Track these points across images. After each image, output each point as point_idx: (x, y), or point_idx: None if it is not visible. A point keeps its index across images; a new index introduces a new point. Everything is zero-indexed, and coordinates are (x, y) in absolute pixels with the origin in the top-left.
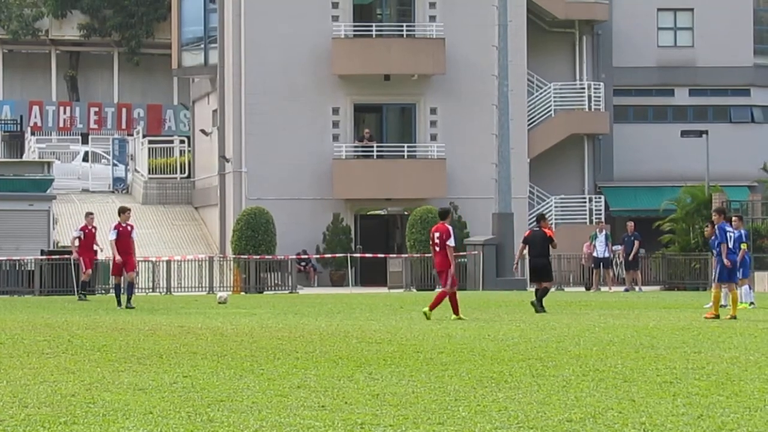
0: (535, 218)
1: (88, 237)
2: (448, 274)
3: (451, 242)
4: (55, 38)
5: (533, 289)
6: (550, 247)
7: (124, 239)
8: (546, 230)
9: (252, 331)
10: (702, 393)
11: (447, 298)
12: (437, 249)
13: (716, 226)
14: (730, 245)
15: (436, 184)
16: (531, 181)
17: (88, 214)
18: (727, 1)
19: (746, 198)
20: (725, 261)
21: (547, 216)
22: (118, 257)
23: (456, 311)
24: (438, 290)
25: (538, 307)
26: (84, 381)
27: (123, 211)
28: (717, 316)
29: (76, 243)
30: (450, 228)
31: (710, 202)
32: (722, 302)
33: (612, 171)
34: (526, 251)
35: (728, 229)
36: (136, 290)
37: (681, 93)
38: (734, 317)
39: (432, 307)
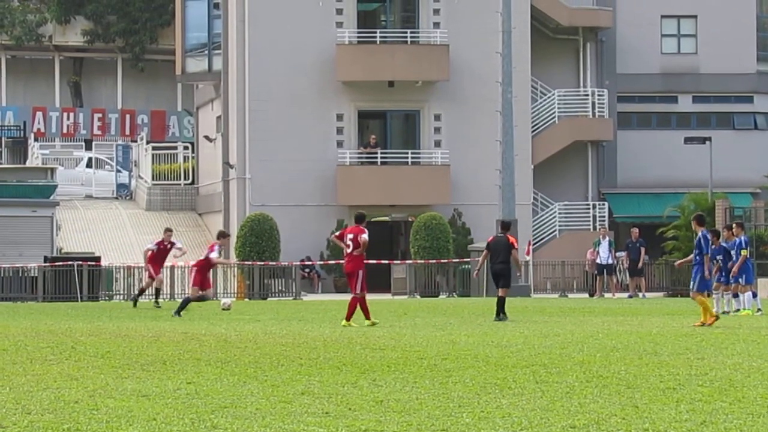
0: (501, 224)
1: (161, 251)
2: (359, 277)
3: (366, 236)
4: (59, 44)
5: (496, 297)
6: (513, 254)
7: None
8: (509, 237)
9: (256, 337)
10: (705, 399)
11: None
12: (348, 250)
13: (698, 235)
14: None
15: (440, 190)
16: (535, 188)
17: (167, 230)
18: (731, 9)
19: (749, 205)
20: (706, 272)
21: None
22: (221, 259)
23: (367, 315)
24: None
25: (501, 315)
26: (87, 387)
27: (224, 236)
28: (717, 317)
29: (148, 254)
30: (366, 230)
31: (713, 209)
32: (715, 308)
33: (615, 177)
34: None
35: (709, 237)
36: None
37: (684, 100)
38: (705, 324)
39: (348, 318)
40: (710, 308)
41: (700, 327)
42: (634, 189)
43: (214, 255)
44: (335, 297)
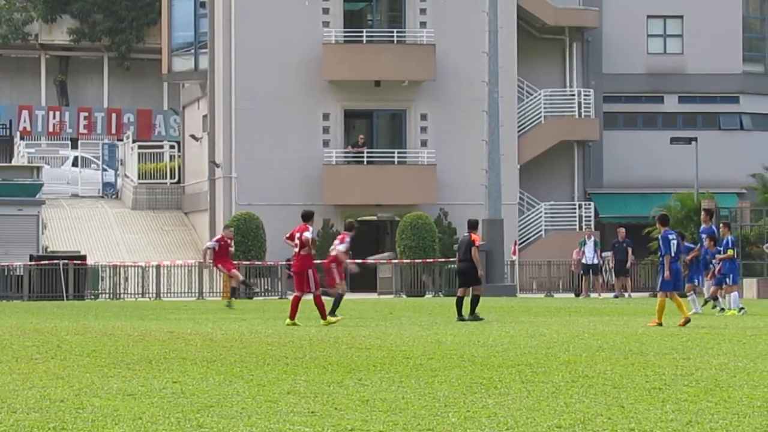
0: (468, 224)
1: (222, 248)
2: (309, 276)
3: (308, 234)
4: (45, 42)
5: (457, 296)
6: (472, 252)
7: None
8: (473, 236)
9: (242, 336)
10: (691, 399)
11: (314, 299)
12: (296, 250)
13: (660, 235)
14: (673, 253)
15: (426, 190)
16: (521, 188)
17: (227, 227)
18: (717, 9)
19: (735, 205)
20: (666, 273)
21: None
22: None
23: (292, 315)
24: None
25: (468, 315)
26: (73, 386)
27: (353, 227)
28: (660, 324)
29: (209, 254)
30: (311, 228)
31: (699, 209)
32: (694, 309)
33: (601, 178)
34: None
35: (671, 237)
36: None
37: (670, 100)
38: (688, 320)
39: (324, 316)
40: (661, 312)
41: (684, 326)
42: (620, 189)
43: (342, 247)
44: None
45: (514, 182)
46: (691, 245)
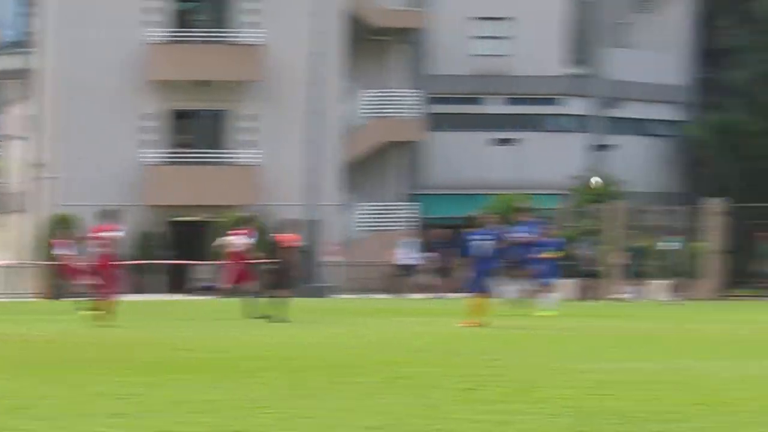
0: (279, 224)
1: (74, 251)
2: (108, 276)
3: (118, 233)
4: None
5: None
6: (285, 252)
7: None
8: (283, 237)
9: (57, 338)
10: (504, 399)
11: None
12: (97, 249)
13: (463, 237)
14: (485, 254)
15: (249, 190)
16: (344, 188)
17: (64, 230)
18: (544, 12)
19: (556, 206)
20: (468, 273)
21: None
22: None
23: (104, 315)
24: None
25: (276, 317)
26: None
27: (249, 220)
28: (478, 325)
29: (64, 260)
30: (120, 227)
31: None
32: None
33: (427, 178)
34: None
35: (472, 238)
36: None
37: (496, 102)
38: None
39: (96, 309)
40: (477, 312)
41: (476, 326)
42: (446, 190)
43: (250, 240)
44: (140, 297)
45: (337, 183)
46: (503, 231)
